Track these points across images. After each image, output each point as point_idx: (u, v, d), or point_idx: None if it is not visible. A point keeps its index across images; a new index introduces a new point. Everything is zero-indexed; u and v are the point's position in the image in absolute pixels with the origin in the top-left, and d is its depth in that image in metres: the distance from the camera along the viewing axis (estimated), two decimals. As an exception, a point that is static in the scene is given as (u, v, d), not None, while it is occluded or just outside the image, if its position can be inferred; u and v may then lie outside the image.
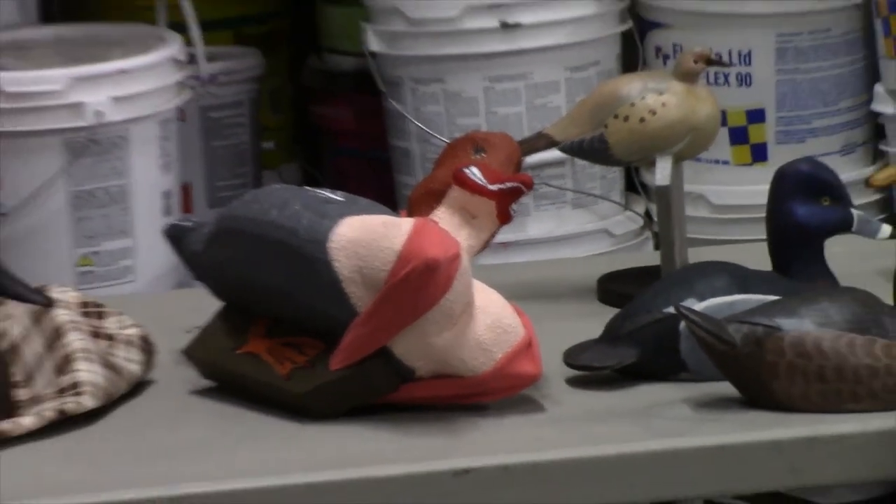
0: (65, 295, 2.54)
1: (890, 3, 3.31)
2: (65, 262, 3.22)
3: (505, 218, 2.40)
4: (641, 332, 2.45)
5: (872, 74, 3.46)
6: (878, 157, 3.46)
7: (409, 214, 2.41)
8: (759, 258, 2.54)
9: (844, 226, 2.51)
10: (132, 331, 2.53)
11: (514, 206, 2.41)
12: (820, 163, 2.55)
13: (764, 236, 2.54)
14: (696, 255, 2.70)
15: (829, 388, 2.32)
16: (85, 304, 2.55)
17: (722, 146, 3.32)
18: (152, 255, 3.21)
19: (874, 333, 2.33)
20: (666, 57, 3.43)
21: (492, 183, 2.38)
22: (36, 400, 2.41)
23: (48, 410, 2.36)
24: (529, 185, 2.42)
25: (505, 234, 2.44)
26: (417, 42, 3.40)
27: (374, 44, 3.43)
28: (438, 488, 2.28)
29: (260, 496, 2.24)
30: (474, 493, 2.29)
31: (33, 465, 2.30)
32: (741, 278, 2.49)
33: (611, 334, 2.48)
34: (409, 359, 2.34)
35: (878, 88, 3.39)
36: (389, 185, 3.43)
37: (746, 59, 3.42)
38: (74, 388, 2.39)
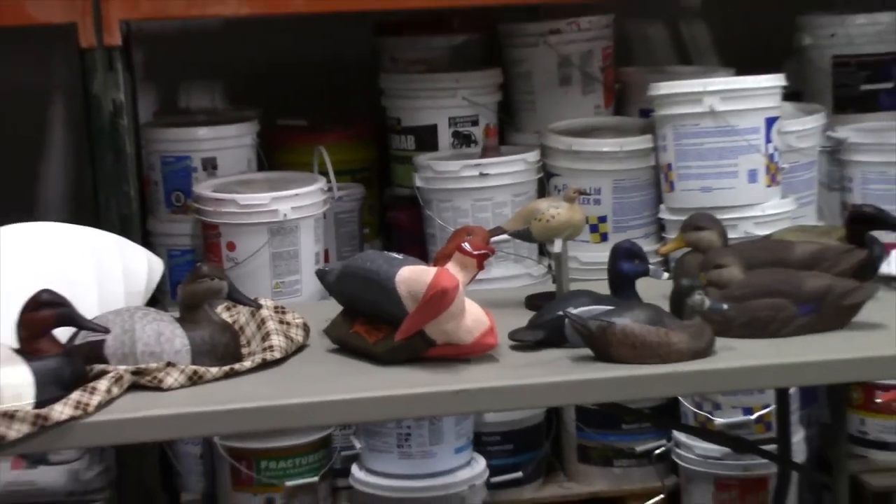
0: (266, 302, 2.51)
1: (665, 165, 3.27)
2: (267, 286, 3.17)
3: (481, 268, 2.38)
4: (547, 324, 2.42)
5: (659, 199, 3.36)
6: (661, 239, 3.34)
7: (434, 265, 2.38)
8: (605, 289, 2.50)
9: (645, 273, 2.48)
10: (299, 320, 2.50)
11: (485, 262, 2.39)
12: (633, 242, 2.52)
13: (606, 278, 2.51)
14: (573, 286, 2.65)
15: (637, 352, 2.29)
16: (276, 307, 2.52)
17: (586, 233, 3.27)
18: (310, 284, 3.16)
19: (660, 325, 2.31)
20: (558, 189, 3.36)
21: (475, 251, 2.36)
22: (251, 354, 2.38)
23: (258, 357, 2.34)
24: (493, 252, 2.40)
25: (480, 275, 2.39)
26: (439, 182, 3.35)
27: (418, 182, 3.39)
28: (445, 401, 2.26)
29: (359, 405, 2.23)
30: (464, 404, 2.27)
31: (250, 386, 2.28)
32: (596, 298, 2.46)
33: (532, 324, 2.45)
34: (433, 335, 2.31)
35: (662, 206, 3.33)
36: (424, 251, 3.37)
37: (598, 191, 3.37)
38: (270, 348, 2.37)
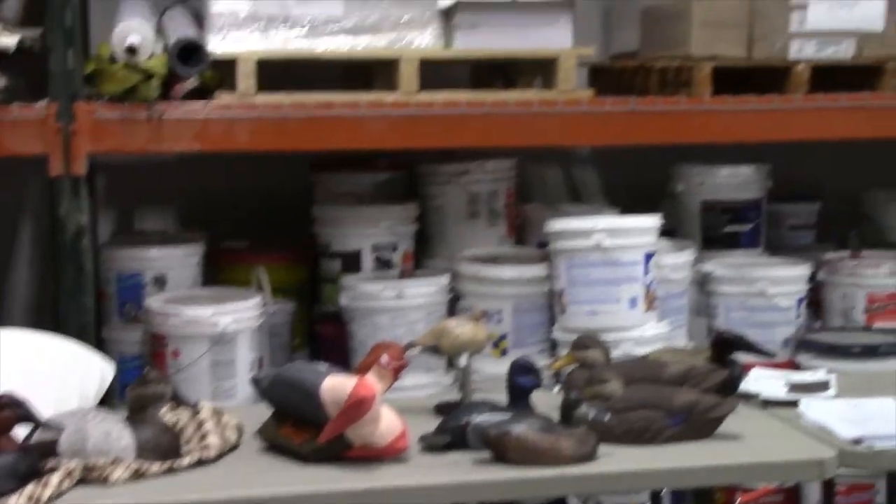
0: (205, 405, 2.48)
1: (559, 290, 3.27)
2: (207, 390, 3.11)
3: (396, 379, 2.38)
4: (453, 429, 2.41)
5: (552, 320, 3.36)
6: (554, 356, 3.29)
7: (355, 375, 2.37)
8: (504, 399, 2.49)
9: (538, 386, 2.47)
10: (234, 421, 2.47)
11: (399, 374, 2.38)
12: (529, 359, 2.52)
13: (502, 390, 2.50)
14: (476, 396, 2.64)
15: (531, 456, 2.28)
16: (213, 410, 2.49)
17: (488, 349, 3.24)
18: (245, 389, 3.12)
19: (550, 433, 2.31)
20: (466, 310, 3.31)
21: (391, 364, 2.35)
22: (190, 452, 2.34)
23: (195, 455, 2.30)
24: (407, 366, 2.40)
25: (395, 384, 2.38)
26: (361, 301, 3.34)
27: (343, 300, 3.37)
28: (360, 497, 2.23)
29: (284, 500, 2.20)
30: (377, 500, 2.25)
31: (188, 481, 2.23)
32: (495, 407, 2.45)
33: (439, 430, 2.43)
34: (352, 438, 2.29)
35: (555, 327, 3.33)
36: (347, 362, 3.33)
37: (500, 312, 3.37)
38: (207, 447, 2.33)
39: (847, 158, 4.14)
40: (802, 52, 3.36)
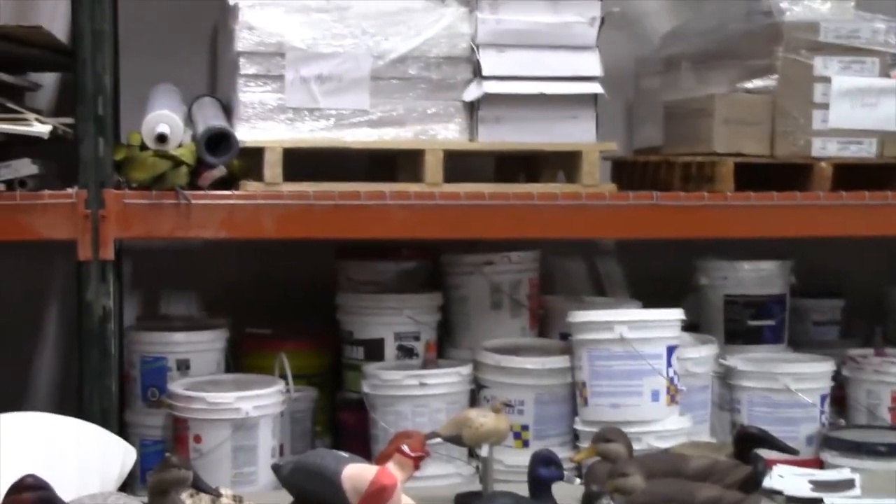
0: (225, 491, 2.48)
1: (581, 382, 3.27)
2: (227, 476, 3.10)
3: (417, 468, 2.38)
4: (472, 520, 2.40)
5: (574, 412, 3.34)
6: (576, 448, 3.28)
7: (376, 464, 2.37)
8: (526, 490, 2.48)
9: (560, 478, 2.47)
10: (254, 509, 2.47)
11: (420, 463, 2.38)
12: (550, 451, 2.52)
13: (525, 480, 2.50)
14: (497, 487, 2.63)
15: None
16: (234, 496, 2.49)
17: (510, 440, 3.23)
18: (266, 475, 3.10)
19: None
20: (488, 400, 3.33)
21: (413, 453, 2.35)
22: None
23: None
24: (427, 455, 2.40)
25: (416, 473, 2.38)
26: (384, 389, 3.32)
27: (366, 388, 3.36)
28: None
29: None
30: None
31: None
32: (517, 499, 2.44)
33: (459, 521, 2.43)
34: (372, 527, 2.29)
35: (577, 419, 3.31)
36: (368, 450, 3.32)
37: (522, 403, 3.35)
38: (227, 533, 2.33)
39: (871, 255, 4.16)
40: (825, 150, 3.39)
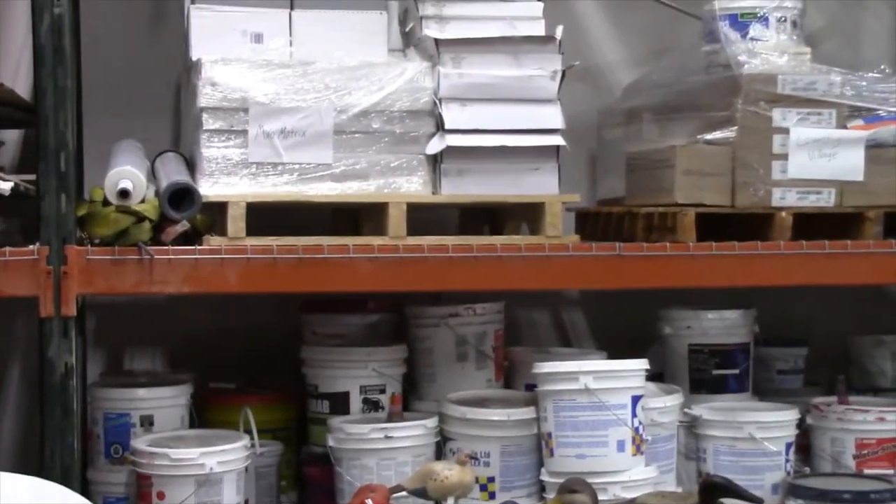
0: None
1: (546, 433, 3.26)
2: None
3: (381, 523, 2.37)
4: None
5: (540, 462, 3.33)
6: (542, 499, 3.29)
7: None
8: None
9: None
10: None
11: (385, 518, 2.38)
12: (516, 502, 2.50)
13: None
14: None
15: None
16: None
17: (476, 492, 3.22)
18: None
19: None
20: (453, 452, 3.31)
21: (376, 507, 2.35)
22: None
23: None
24: (392, 509, 2.39)
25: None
26: (349, 442, 3.31)
27: (331, 441, 3.35)
28: None
29: None
30: None
31: None
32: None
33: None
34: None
35: (543, 469, 3.29)
36: None
37: (487, 454, 3.33)
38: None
39: (833, 303, 4.19)
40: (785, 199, 3.42)
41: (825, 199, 3.43)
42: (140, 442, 3.21)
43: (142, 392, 3.43)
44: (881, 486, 3.34)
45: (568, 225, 3.66)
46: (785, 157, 3.40)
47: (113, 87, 3.80)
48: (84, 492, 2.97)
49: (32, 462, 3.19)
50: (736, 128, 3.40)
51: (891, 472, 3.50)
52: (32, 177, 3.03)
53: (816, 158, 3.42)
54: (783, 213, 3.39)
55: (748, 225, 3.44)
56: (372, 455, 3.27)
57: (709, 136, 3.46)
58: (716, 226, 3.40)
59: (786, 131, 3.40)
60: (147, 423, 3.38)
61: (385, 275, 3.12)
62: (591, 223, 3.81)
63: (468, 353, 3.66)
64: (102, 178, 3.04)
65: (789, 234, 3.38)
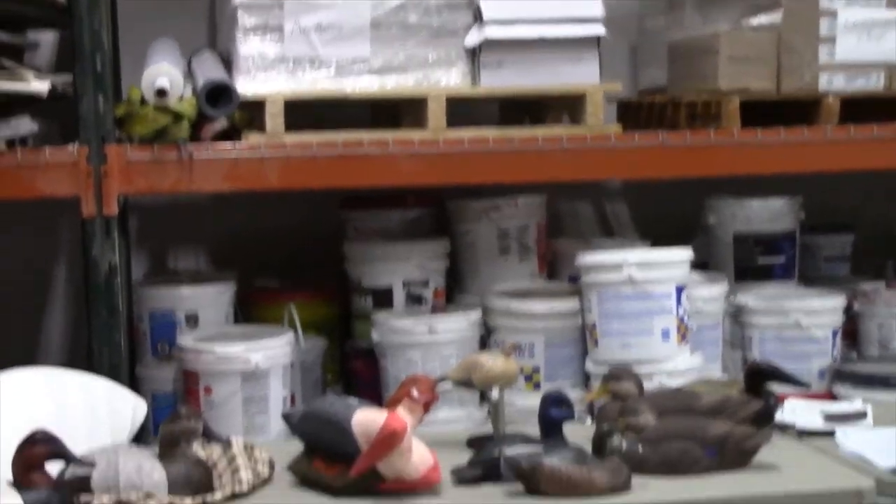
0: (237, 440, 2.49)
1: (590, 324, 3.26)
2: (239, 426, 3.09)
3: (427, 412, 2.38)
4: (485, 462, 2.41)
5: (585, 353, 3.34)
6: (587, 389, 3.28)
7: (386, 409, 2.37)
8: (537, 432, 2.49)
9: (571, 418, 2.47)
10: (265, 456, 2.47)
11: (430, 407, 2.38)
12: (561, 392, 2.52)
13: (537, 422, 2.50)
14: (508, 429, 2.63)
15: (563, 488, 2.28)
16: (245, 445, 2.50)
17: (520, 383, 3.25)
18: (277, 424, 3.10)
19: (583, 464, 2.30)
20: (497, 344, 3.33)
21: (422, 397, 2.35)
22: (222, 487, 2.35)
23: (227, 490, 2.31)
24: (437, 399, 2.40)
25: (427, 418, 2.38)
26: (393, 336, 3.32)
27: (375, 336, 3.36)
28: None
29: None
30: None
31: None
32: (528, 439, 2.45)
33: (472, 463, 2.44)
34: (384, 471, 2.30)
35: (587, 360, 3.31)
36: (379, 397, 3.32)
37: (532, 346, 3.35)
38: (239, 482, 2.34)
39: (881, 188, 4.13)
40: (832, 84, 3.35)
41: (874, 83, 3.36)
42: (186, 339, 3.24)
43: (186, 290, 3.45)
44: (928, 369, 3.33)
45: (609, 116, 3.59)
46: (832, 40, 3.33)
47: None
48: (133, 388, 3.00)
49: (81, 361, 3.22)
50: (781, 11, 3.33)
51: (938, 356, 3.48)
52: (69, 77, 3.01)
53: (865, 41, 3.34)
54: (830, 98, 3.32)
55: (794, 111, 3.37)
56: (416, 348, 3.28)
57: (753, 21, 3.40)
58: (761, 113, 3.34)
59: (833, 13, 3.33)
60: (192, 320, 3.40)
61: (425, 169, 3.09)
62: (633, 113, 3.76)
63: (510, 246, 3.65)
64: (139, 81, 3.03)
65: (836, 120, 3.31)
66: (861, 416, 2.70)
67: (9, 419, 2.36)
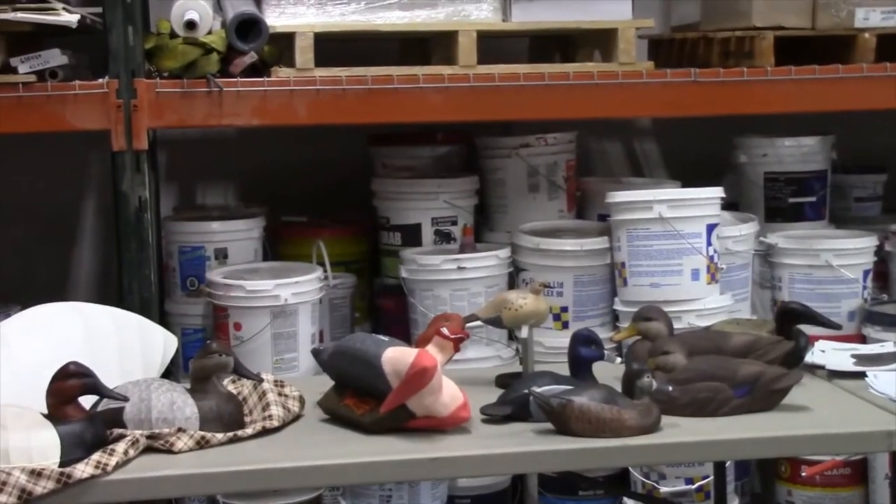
0: (267, 376, 2.50)
1: (620, 263, 3.26)
2: (268, 362, 3.13)
3: (457, 350, 2.37)
4: (514, 400, 2.41)
5: (614, 292, 3.34)
6: (616, 328, 3.32)
7: (416, 347, 2.37)
8: (566, 371, 2.49)
9: (600, 358, 2.47)
10: (296, 393, 2.48)
11: (461, 345, 2.38)
12: (591, 331, 2.51)
13: (567, 362, 2.50)
14: (537, 368, 2.63)
15: (593, 427, 2.28)
16: (276, 381, 2.50)
17: (549, 321, 3.25)
18: (307, 361, 3.13)
19: (613, 404, 2.29)
20: (526, 282, 3.34)
21: (452, 335, 2.35)
22: (253, 422, 2.36)
23: (258, 425, 2.32)
24: (468, 337, 2.39)
25: (456, 356, 2.38)
26: (422, 273, 3.32)
27: (404, 273, 3.36)
28: (423, 467, 2.24)
29: (347, 469, 2.21)
30: (440, 471, 2.26)
31: (251, 450, 2.26)
32: (557, 378, 2.45)
33: (501, 401, 2.44)
34: (414, 408, 2.30)
35: (616, 299, 3.32)
36: (408, 334, 3.34)
37: (561, 284, 3.36)
38: (270, 417, 2.35)
39: (914, 129, 4.08)
40: (868, 20, 3.29)
41: (911, 20, 3.31)
42: (215, 274, 3.24)
43: (215, 225, 3.44)
44: (960, 311, 3.30)
45: (641, 52, 3.58)
46: (868, -25, 3.28)
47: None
48: (163, 323, 3.01)
49: (112, 295, 3.24)
50: (817, -55, 3.27)
51: (970, 297, 3.45)
52: (98, 9, 3.00)
53: (902, -25, 3.28)
54: (866, 35, 3.27)
55: (829, 48, 3.32)
56: (445, 286, 3.28)
57: (789, -44, 3.33)
58: (795, 50, 3.29)
59: (870, -53, 3.27)
60: (221, 255, 3.40)
61: (455, 105, 3.07)
62: (665, 50, 3.71)
63: (540, 183, 3.63)
64: (168, 14, 3.01)
65: (872, 57, 3.26)
66: (892, 358, 2.68)
67: (42, 352, 2.38)
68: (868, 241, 3.47)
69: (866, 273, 3.46)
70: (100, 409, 2.28)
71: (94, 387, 2.17)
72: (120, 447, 2.14)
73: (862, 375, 2.59)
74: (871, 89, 3.23)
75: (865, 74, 3.22)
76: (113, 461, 2.10)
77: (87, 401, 2.22)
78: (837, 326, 2.69)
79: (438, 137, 3.77)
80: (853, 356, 2.70)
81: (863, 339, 3.29)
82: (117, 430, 2.22)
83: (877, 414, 2.39)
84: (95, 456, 2.10)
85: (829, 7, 3.30)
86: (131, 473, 2.13)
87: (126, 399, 2.24)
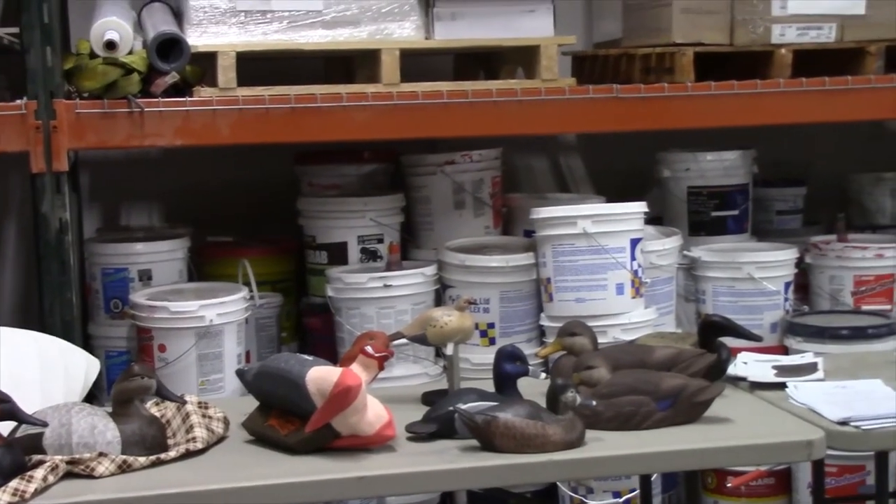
0: (191, 398, 2.47)
1: (545, 278, 3.27)
2: (193, 383, 3.11)
3: (382, 368, 2.37)
4: (440, 417, 2.40)
5: (540, 308, 3.35)
6: (542, 343, 3.32)
7: (340, 365, 2.36)
8: (492, 387, 2.49)
9: (525, 373, 2.47)
10: (220, 414, 2.46)
11: (386, 363, 2.38)
12: (515, 347, 2.52)
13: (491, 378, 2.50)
14: (464, 384, 2.63)
15: (518, 443, 2.28)
16: (199, 403, 2.48)
17: (476, 338, 3.26)
18: (233, 382, 3.11)
19: (537, 419, 2.30)
20: (452, 299, 3.34)
21: (377, 353, 2.34)
22: (176, 445, 2.33)
23: (182, 448, 2.30)
24: (392, 355, 2.39)
25: (382, 374, 2.38)
26: (348, 292, 3.32)
27: (330, 292, 3.35)
28: (349, 486, 2.23)
29: (272, 490, 2.19)
30: (366, 489, 2.24)
31: (174, 473, 2.23)
32: (483, 395, 2.45)
33: (426, 418, 2.43)
34: (339, 427, 2.29)
35: (542, 315, 3.33)
36: (335, 353, 3.32)
37: (487, 301, 3.36)
38: (194, 440, 2.33)
39: (832, 141, 4.16)
40: (784, 36, 3.36)
41: (826, 35, 3.37)
42: (139, 296, 3.21)
43: (139, 246, 3.41)
44: (879, 321, 3.36)
45: (564, 69, 3.60)
46: (784, -8, 3.34)
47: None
48: (86, 346, 2.98)
49: (33, 319, 3.19)
50: (734, -37, 3.33)
51: (888, 307, 3.51)
52: (15, 30, 2.96)
53: (816, -7, 3.35)
54: (783, 51, 3.33)
55: (747, 64, 3.38)
56: (371, 304, 3.27)
57: (706, -27, 3.38)
58: (715, 66, 3.35)
59: (785, -35, 3.33)
60: (145, 277, 3.37)
61: (379, 123, 3.07)
62: (588, 67, 3.75)
63: (465, 200, 3.63)
64: (88, 34, 2.98)
65: (789, 72, 3.32)
66: (812, 368, 2.72)
67: (-41, 379, 2.34)
68: (789, 254, 3.53)
69: (787, 285, 3.51)
70: (18, 434, 2.24)
71: (12, 412, 2.14)
72: (39, 473, 2.10)
73: (783, 386, 2.63)
74: (788, 104, 3.28)
75: (783, 89, 3.28)
76: (31, 488, 2.07)
77: (4, 427, 2.19)
78: (758, 338, 2.72)
79: (364, 156, 3.76)
80: (774, 367, 2.73)
81: (785, 351, 3.34)
82: (36, 457, 2.18)
83: (797, 424, 2.42)
84: (13, 483, 2.07)
85: (747, 24, 3.35)
86: (50, 500, 2.10)
87: (45, 424, 2.21)
